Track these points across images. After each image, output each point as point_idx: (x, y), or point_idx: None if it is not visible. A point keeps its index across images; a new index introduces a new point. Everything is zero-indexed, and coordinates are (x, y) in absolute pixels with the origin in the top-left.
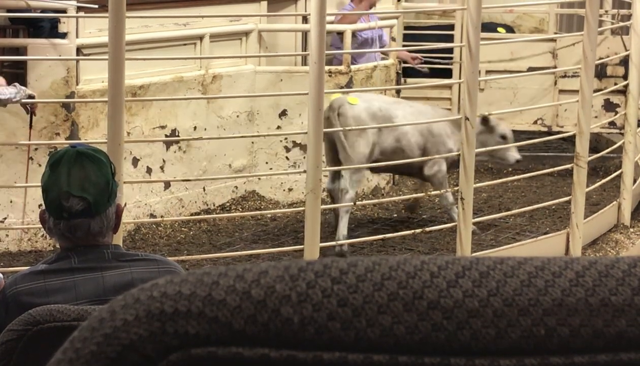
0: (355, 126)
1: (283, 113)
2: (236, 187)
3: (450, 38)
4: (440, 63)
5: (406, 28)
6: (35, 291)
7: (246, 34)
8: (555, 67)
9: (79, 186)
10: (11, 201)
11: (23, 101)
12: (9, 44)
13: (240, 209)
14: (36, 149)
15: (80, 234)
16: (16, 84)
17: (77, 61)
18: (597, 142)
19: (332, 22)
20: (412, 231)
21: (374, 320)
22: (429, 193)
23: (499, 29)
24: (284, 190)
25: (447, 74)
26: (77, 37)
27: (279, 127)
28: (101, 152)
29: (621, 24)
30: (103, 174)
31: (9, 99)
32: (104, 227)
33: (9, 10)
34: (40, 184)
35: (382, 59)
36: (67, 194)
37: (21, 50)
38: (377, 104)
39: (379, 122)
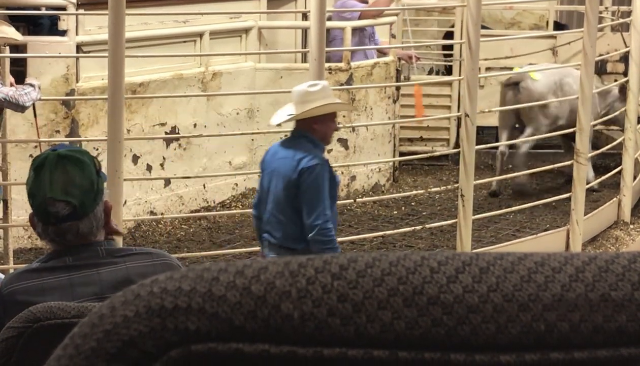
0: (538, 101)
1: None
2: (236, 184)
3: None
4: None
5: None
6: (32, 289)
7: (246, 31)
8: (555, 63)
9: (63, 190)
10: (12, 198)
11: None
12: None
13: (241, 207)
14: (35, 146)
15: (70, 237)
16: (32, 82)
17: (77, 58)
18: (597, 139)
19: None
20: (412, 228)
21: (374, 316)
22: (429, 189)
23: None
24: None
25: (447, 71)
26: (76, 34)
27: (279, 125)
28: (84, 152)
29: (621, 20)
30: (86, 175)
31: (35, 99)
32: (93, 227)
33: (8, 8)
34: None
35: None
36: (52, 199)
37: (21, 47)
38: (553, 78)
39: (557, 94)
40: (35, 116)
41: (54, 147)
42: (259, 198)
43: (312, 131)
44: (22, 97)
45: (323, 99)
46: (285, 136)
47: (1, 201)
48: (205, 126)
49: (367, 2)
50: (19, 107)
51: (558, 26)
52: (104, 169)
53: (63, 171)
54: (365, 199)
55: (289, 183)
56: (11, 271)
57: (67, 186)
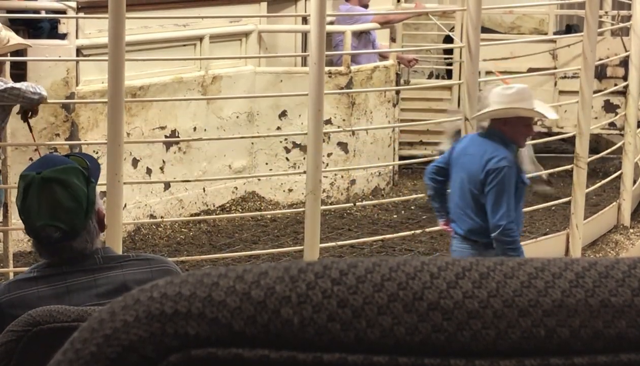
0: None
1: (283, 114)
2: (236, 188)
3: None
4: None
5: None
6: (28, 298)
7: (246, 34)
8: (555, 68)
9: (51, 215)
10: (12, 201)
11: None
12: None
13: (240, 210)
14: (35, 149)
15: (65, 255)
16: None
17: (77, 61)
18: (597, 143)
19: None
20: (412, 231)
21: (374, 321)
22: (428, 193)
23: None
24: (283, 191)
25: (447, 74)
26: (76, 38)
27: (278, 128)
28: (68, 169)
29: (621, 25)
30: (73, 196)
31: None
32: (87, 242)
33: (8, 12)
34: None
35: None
36: (41, 226)
37: (21, 51)
38: None
39: None
40: (29, 125)
41: (38, 168)
42: (437, 167)
43: (502, 131)
44: (38, 86)
45: (515, 102)
46: (285, 139)
47: (1, 205)
48: (205, 130)
49: (367, 7)
50: (36, 95)
51: (569, 29)
52: (103, 173)
53: (49, 195)
54: (365, 203)
55: (475, 181)
56: (11, 274)
57: (55, 211)
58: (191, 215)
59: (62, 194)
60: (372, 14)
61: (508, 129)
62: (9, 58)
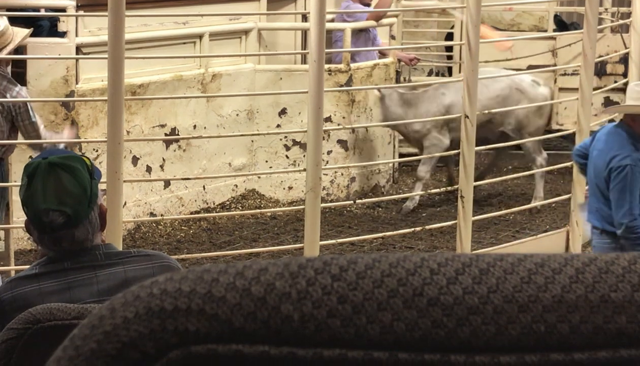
0: None
1: (283, 112)
2: (236, 185)
3: None
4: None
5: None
6: (30, 295)
7: (246, 32)
8: (554, 65)
9: (56, 200)
10: (13, 200)
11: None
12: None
13: (240, 208)
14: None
15: (66, 245)
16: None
17: (77, 59)
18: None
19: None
20: (412, 229)
21: (374, 317)
22: (429, 191)
23: None
24: (283, 188)
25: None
26: (76, 35)
27: (278, 126)
28: (75, 157)
29: (621, 21)
30: (79, 182)
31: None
32: (89, 233)
33: (8, 9)
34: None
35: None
36: (46, 210)
37: (20, 49)
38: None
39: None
40: None
41: (44, 155)
42: (579, 149)
43: (631, 127)
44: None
45: None
46: (285, 137)
47: (4, 203)
48: (204, 128)
49: (369, 5)
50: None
51: (562, 25)
52: (103, 171)
53: (55, 179)
54: (365, 200)
55: (600, 177)
56: (12, 272)
57: (60, 195)
58: (191, 213)
59: (67, 179)
60: (367, 12)
61: (636, 125)
62: (9, 56)
